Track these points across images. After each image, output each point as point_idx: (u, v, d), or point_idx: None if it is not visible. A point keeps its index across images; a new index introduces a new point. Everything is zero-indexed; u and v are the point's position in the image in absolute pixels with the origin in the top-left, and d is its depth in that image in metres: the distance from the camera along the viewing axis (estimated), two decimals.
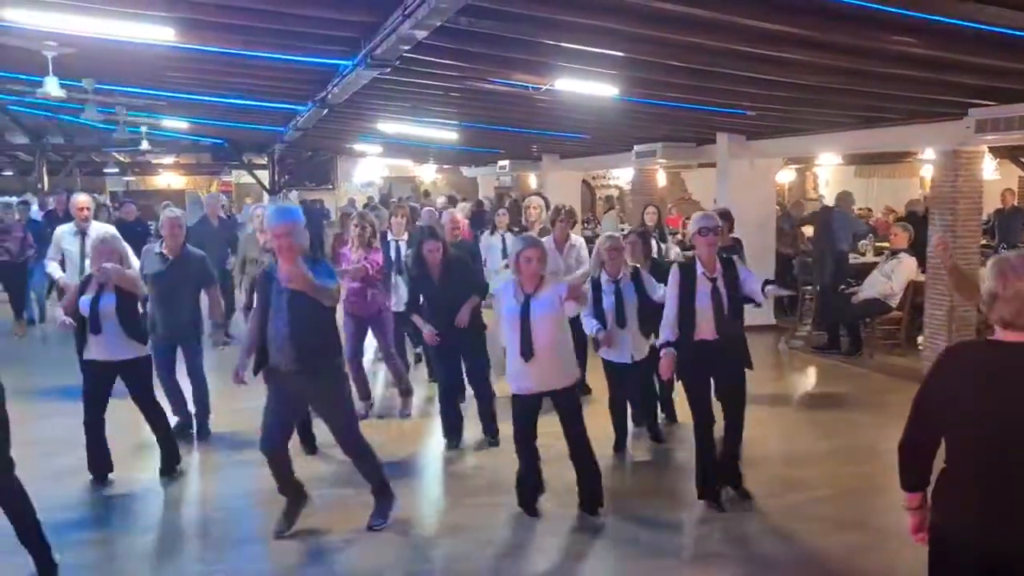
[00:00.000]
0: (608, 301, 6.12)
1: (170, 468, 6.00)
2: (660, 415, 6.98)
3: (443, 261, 6.46)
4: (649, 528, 5.22)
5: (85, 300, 5.63)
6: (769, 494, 5.68)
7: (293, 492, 5.04)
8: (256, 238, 8.31)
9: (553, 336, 5.04)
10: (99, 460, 5.81)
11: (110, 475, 5.88)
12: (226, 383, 5.31)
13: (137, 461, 6.29)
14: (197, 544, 5.12)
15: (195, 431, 6.83)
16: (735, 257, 5.65)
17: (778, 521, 5.27)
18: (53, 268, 8.11)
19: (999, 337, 2.69)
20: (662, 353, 5.27)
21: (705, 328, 5.21)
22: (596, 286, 6.15)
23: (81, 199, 8.38)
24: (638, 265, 6.54)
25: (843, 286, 10.49)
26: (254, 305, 5.13)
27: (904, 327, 9.72)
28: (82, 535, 5.10)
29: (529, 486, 5.30)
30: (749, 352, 5.49)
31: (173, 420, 6.51)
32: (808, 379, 9.37)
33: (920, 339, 9.47)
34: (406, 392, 7.56)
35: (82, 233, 8.01)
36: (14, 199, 13.67)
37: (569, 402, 5.19)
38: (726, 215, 7.88)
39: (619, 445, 6.46)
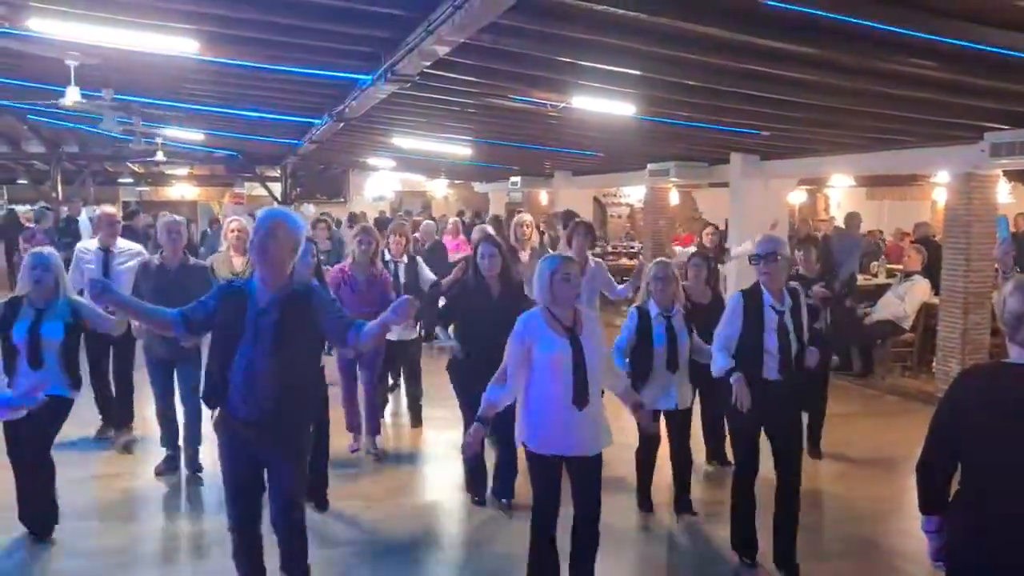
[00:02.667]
0: (659, 338, 5.26)
1: (44, 532, 4.96)
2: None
3: (503, 274, 5.51)
4: (665, 543, 5.17)
5: (21, 326, 4.79)
6: None
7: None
8: (229, 258, 7.05)
9: (600, 382, 4.12)
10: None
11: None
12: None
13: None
14: None
15: (183, 463, 6.14)
16: (796, 286, 4.88)
17: None
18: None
19: (1016, 360, 2.70)
20: (733, 380, 4.51)
21: (769, 366, 4.56)
22: (644, 317, 5.31)
23: (110, 210, 7.42)
24: (697, 295, 5.97)
25: (855, 307, 10.47)
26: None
27: (916, 349, 9.71)
28: None
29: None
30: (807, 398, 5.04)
31: (161, 452, 6.16)
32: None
33: (933, 362, 9.45)
34: (376, 430, 6.77)
35: (105, 250, 6.90)
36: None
37: (597, 471, 4.10)
38: (812, 240, 7.12)
39: (644, 504, 5.62)
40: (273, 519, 3.79)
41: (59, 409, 4.78)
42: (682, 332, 5.31)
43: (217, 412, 3.78)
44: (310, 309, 3.73)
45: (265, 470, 3.79)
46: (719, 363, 4.62)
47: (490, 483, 5.74)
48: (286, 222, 3.73)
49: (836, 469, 6.90)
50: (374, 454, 6.65)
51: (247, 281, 3.88)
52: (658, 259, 5.69)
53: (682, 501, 5.56)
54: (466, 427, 5.27)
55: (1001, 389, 2.68)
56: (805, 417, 5.82)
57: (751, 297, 4.61)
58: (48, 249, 5.17)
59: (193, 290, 5.37)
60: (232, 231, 7.19)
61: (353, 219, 17.62)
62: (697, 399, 5.75)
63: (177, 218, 6.10)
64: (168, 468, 6.11)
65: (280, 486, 3.76)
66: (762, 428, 4.69)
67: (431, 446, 7.16)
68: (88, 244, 7.07)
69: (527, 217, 7.77)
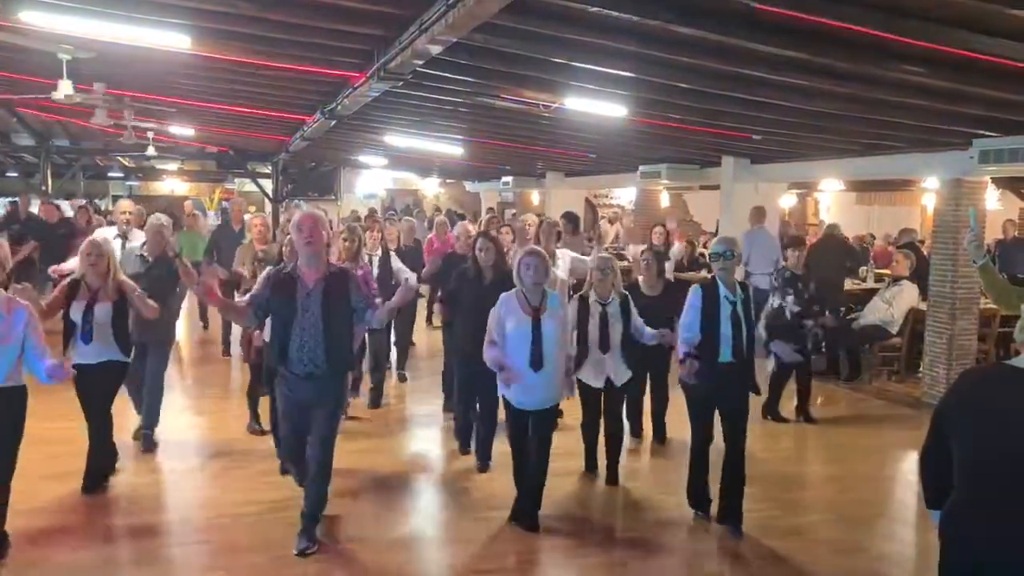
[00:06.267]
0: (593, 323, 5.93)
1: (98, 482, 5.78)
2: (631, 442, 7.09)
3: (495, 266, 6.45)
4: (640, 551, 5.21)
5: (79, 305, 5.54)
6: (769, 517, 5.70)
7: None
8: (253, 248, 7.99)
9: (559, 350, 5.25)
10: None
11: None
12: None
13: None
14: (199, 551, 5.12)
15: (141, 440, 6.64)
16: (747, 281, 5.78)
17: (777, 544, 5.27)
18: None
19: (1017, 362, 2.72)
20: (687, 362, 5.23)
21: (723, 350, 5.23)
22: (583, 304, 5.98)
23: (124, 204, 8.63)
24: (638, 286, 6.75)
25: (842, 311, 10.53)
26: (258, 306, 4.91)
27: (904, 354, 9.75)
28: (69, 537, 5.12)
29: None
30: (755, 377, 5.51)
31: (136, 419, 6.74)
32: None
33: (920, 366, 9.50)
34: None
35: (123, 237, 8.07)
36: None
37: (551, 420, 5.40)
38: (799, 241, 8.37)
39: (590, 466, 6.38)
40: (309, 455, 4.81)
41: (119, 371, 5.78)
42: (616, 318, 5.96)
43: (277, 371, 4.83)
44: (347, 288, 4.77)
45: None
46: (680, 350, 5.33)
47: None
48: (321, 220, 4.76)
49: (822, 472, 6.94)
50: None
51: (292, 268, 4.79)
52: (600, 254, 6.55)
53: (611, 471, 6.25)
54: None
55: (1000, 391, 2.71)
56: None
57: (708, 290, 5.30)
58: (103, 237, 6.12)
59: (170, 279, 6.40)
60: (256, 226, 8.32)
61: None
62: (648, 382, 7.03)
63: (164, 217, 6.83)
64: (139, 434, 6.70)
65: (320, 427, 4.77)
66: (716, 403, 5.36)
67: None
68: (109, 230, 8.28)
69: (532, 217, 9.09)
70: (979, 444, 2.69)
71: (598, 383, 6.04)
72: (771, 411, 8.06)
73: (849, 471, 6.84)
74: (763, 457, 7.00)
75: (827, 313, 7.98)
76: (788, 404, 8.16)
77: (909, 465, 6.84)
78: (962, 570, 2.76)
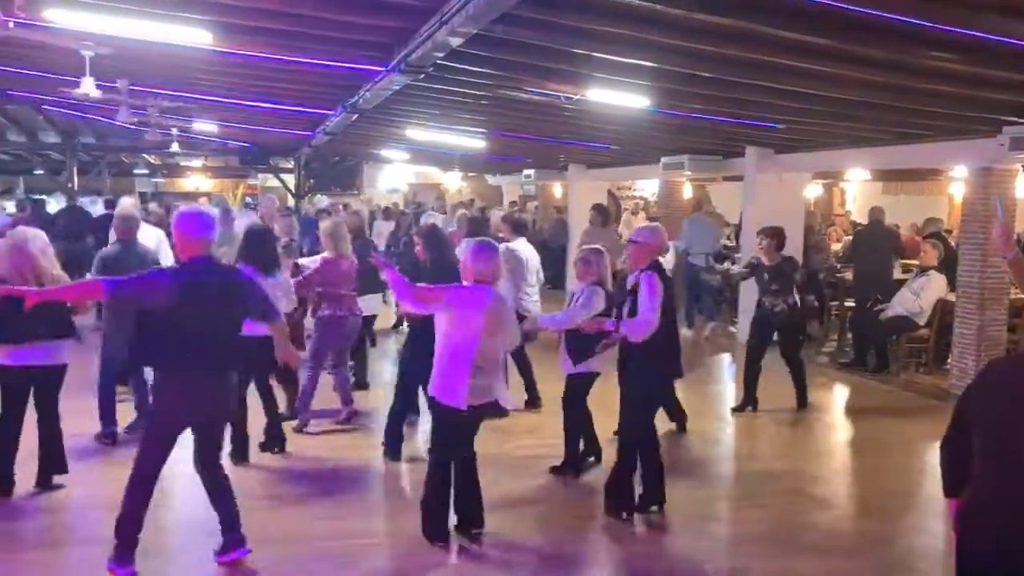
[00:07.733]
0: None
1: (47, 480, 5.56)
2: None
3: (433, 259, 6.27)
4: (670, 540, 5.19)
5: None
6: (797, 512, 5.66)
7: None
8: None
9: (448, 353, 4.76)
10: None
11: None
12: None
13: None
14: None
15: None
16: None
17: (807, 538, 5.24)
18: None
19: None
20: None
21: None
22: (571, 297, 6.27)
23: (126, 202, 8.62)
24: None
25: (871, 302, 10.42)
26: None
27: (932, 345, 9.62)
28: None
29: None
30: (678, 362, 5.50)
31: (96, 426, 6.47)
32: (834, 396, 9.30)
33: (948, 358, 9.38)
34: (349, 401, 7.39)
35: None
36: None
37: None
38: (774, 233, 7.99)
39: (579, 462, 6.21)
40: (205, 477, 4.61)
41: (58, 378, 5.49)
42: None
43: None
44: (238, 290, 4.50)
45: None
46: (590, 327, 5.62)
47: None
48: (196, 218, 4.44)
49: (850, 466, 6.87)
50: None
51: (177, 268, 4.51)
52: (585, 246, 6.46)
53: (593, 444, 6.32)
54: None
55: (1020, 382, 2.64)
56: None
57: (622, 277, 5.69)
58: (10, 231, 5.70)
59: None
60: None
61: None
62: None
63: (131, 210, 7.10)
64: (107, 439, 6.51)
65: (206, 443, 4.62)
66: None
67: None
68: None
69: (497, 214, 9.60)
70: (1005, 433, 2.64)
71: (592, 369, 6.00)
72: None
73: (877, 464, 6.77)
74: (789, 451, 6.95)
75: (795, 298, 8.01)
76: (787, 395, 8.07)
77: (937, 457, 6.73)
78: (982, 561, 2.71)
